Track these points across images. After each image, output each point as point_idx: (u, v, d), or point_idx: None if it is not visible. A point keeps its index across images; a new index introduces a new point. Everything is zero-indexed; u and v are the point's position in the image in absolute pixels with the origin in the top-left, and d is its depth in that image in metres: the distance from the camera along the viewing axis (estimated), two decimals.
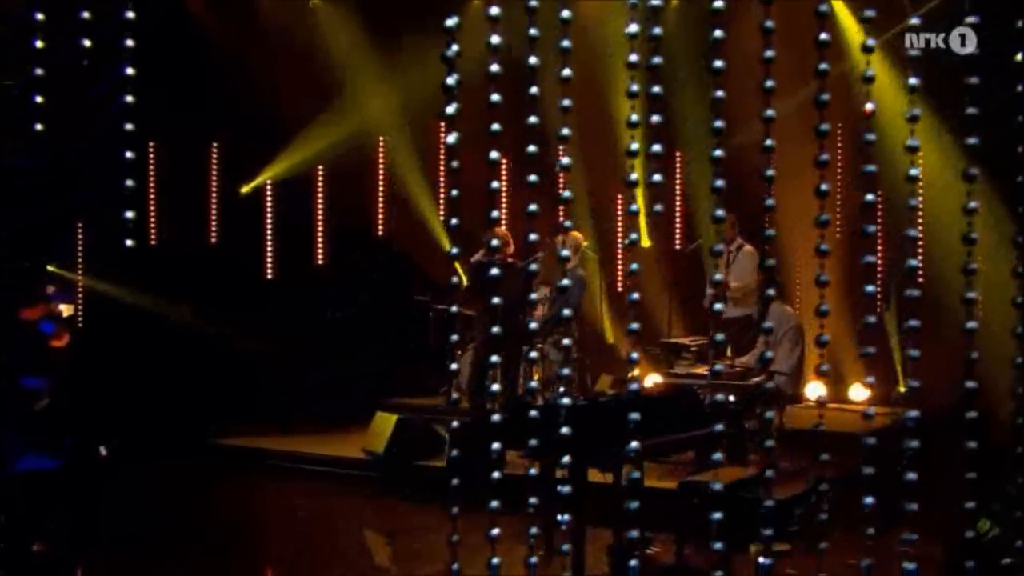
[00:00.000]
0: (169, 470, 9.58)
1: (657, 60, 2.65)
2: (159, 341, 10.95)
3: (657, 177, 2.78)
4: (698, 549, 6.42)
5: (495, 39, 2.59)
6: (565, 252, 2.94)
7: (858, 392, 10.78)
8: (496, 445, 2.63)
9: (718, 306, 2.70)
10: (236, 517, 8.58)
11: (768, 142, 2.59)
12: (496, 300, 3.05)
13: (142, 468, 9.36)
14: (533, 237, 2.85)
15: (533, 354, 2.78)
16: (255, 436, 10.57)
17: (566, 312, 2.65)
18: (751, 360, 8.39)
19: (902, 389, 10.98)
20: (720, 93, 2.55)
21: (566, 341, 2.72)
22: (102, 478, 8.89)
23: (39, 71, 2.81)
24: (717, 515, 2.62)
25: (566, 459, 2.64)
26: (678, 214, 12.67)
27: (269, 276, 12.59)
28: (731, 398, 7.75)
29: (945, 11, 8.02)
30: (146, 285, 10.96)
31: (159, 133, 11.90)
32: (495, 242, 3.61)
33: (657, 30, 2.67)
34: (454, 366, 4.31)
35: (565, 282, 2.79)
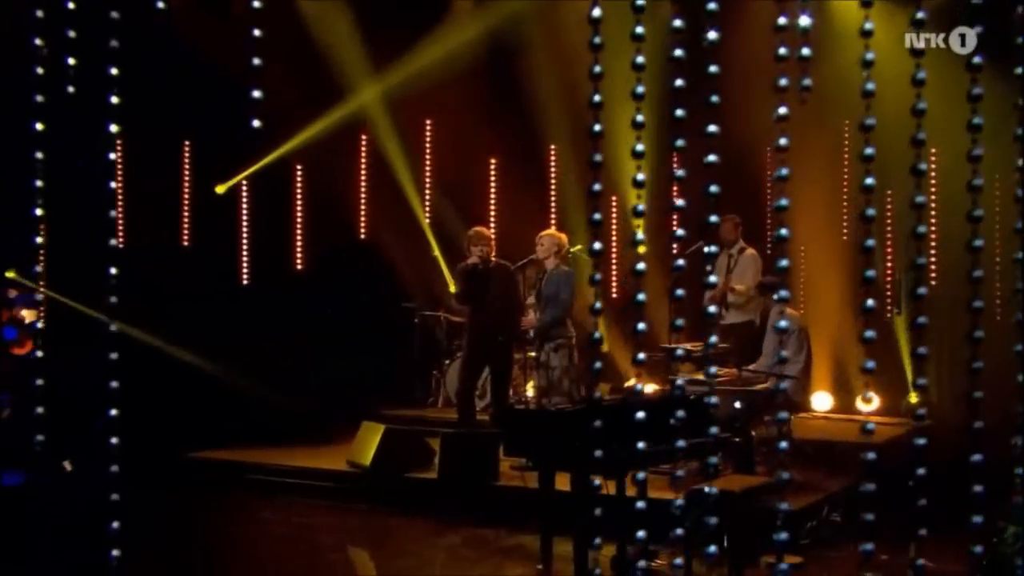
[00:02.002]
0: (146, 485, 9.56)
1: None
2: (128, 349, 10.91)
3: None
4: (704, 561, 6.47)
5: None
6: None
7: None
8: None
9: (598, 304, 2.76)
10: (217, 533, 8.58)
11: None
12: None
13: (117, 483, 9.33)
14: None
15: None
16: (234, 449, 10.54)
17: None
18: (760, 366, 8.46)
19: (913, 399, 11.08)
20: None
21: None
22: (69, 493, 8.86)
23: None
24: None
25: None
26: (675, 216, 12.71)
27: (245, 280, 12.57)
28: (737, 405, 7.82)
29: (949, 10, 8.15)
30: (115, 291, 10.92)
31: (129, 131, 11.89)
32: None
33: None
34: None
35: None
